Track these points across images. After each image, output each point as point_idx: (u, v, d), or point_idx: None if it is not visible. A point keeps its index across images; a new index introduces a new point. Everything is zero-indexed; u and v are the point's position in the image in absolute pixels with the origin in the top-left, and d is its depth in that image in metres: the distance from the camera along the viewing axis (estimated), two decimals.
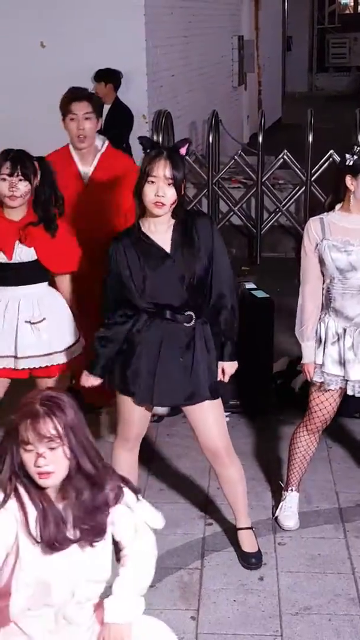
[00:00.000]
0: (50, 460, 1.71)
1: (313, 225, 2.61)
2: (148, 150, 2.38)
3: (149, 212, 2.37)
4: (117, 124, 5.36)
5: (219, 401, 2.57)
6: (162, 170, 2.32)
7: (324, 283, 2.63)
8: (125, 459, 2.65)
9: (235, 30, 9.30)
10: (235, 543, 2.73)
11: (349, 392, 2.66)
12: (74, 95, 3.13)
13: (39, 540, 1.73)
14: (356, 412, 3.51)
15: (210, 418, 2.54)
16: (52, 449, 1.70)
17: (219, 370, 2.55)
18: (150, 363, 2.45)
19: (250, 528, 2.72)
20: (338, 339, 2.60)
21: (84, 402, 3.57)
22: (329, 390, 2.67)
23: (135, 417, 2.57)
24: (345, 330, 2.60)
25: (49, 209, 2.71)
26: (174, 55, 6.59)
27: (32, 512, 1.74)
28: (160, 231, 2.41)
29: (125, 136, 5.44)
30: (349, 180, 2.53)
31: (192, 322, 2.45)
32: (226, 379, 2.57)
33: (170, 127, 6.00)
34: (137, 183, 2.37)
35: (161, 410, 3.35)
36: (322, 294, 2.63)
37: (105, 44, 5.55)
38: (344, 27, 17.27)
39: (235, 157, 6.08)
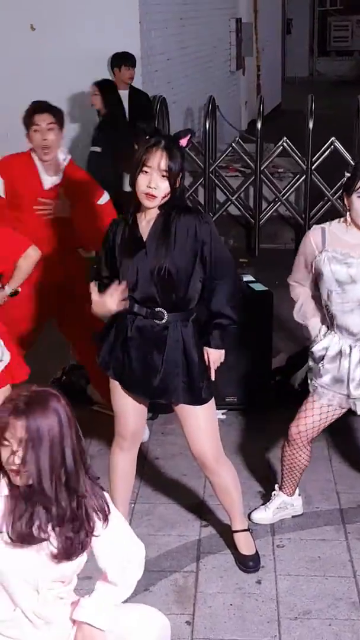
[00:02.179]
0: (22, 459, 1.64)
1: (313, 236, 2.54)
2: (147, 137, 2.28)
3: (140, 200, 2.30)
4: (139, 109, 5.18)
5: (208, 406, 2.48)
6: (158, 161, 2.24)
7: (321, 300, 2.57)
8: (123, 460, 2.59)
9: (233, 12, 9.14)
10: (232, 545, 2.67)
11: (358, 410, 2.60)
12: (37, 107, 3.21)
13: (3, 530, 1.68)
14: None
15: (195, 423, 2.46)
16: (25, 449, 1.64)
17: (205, 356, 2.44)
18: (124, 354, 2.42)
19: (247, 530, 2.66)
20: (341, 356, 2.54)
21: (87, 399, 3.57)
22: (321, 401, 2.61)
23: (128, 407, 2.49)
24: (351, 347, 2.55)
25: None
26: (169, 39, 6.46)
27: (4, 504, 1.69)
28: (147, 220, 2.34)
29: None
30: (345, 199, 2.50)
31: (164, 320, 2.36)
32: (212, 368, 2.46)
33: (165, 113, 5.88)
34: (132, 171, 2.29)
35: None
36: (325, 311, 2.57)
37: (98, 27, 5.41)
38: (346, 9, 17.03)
39: (233, 144, 5.96)
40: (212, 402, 2.50)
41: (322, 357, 2.56)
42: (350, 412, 2.69)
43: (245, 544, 2.64)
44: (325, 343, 2.57)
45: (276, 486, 2.86)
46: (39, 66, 5.54)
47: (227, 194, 6.00)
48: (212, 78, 8.08)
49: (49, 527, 1.69)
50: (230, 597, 2.50)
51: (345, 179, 2.50)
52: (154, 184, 2.24)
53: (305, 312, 2.63)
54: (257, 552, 2.64)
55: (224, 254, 2.42)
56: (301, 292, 2.65)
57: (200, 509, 2.95)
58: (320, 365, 2.57)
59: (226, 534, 2.76)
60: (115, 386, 2.50)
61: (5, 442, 1.64)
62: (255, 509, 2.87)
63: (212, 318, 2.42)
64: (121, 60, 5.26)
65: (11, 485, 1.68)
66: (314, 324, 2.61)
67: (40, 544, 1.70)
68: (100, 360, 2.48)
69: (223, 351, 2.47)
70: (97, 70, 5.45)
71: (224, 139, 6.88)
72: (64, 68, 5.51)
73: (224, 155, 5.99)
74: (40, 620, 1.77)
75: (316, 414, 2.63)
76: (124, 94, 5.27)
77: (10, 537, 1.68)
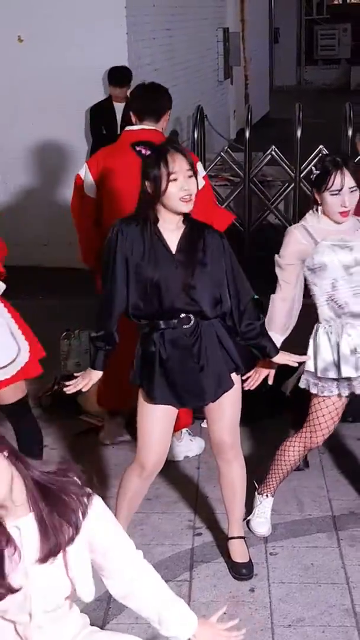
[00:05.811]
0: None
1: (299, 232, 2.55)
2: (149, 153, 2.28)
3: (171, 209, 2.28)
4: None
5: (237, 394, 2.49)
6: (179, 164, 2.26)
7: (318, 295, 2.56)
8: (137, 486, 2.54)
9: (220, 22, 9.20)
10: (226, 553, 2.66)
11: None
12: None
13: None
14: (350, 416, 3.44)
15: (222, 408, 2.48)
16: None
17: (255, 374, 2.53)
18: (165, 374, 2.39)
19: (243, 538, 2.65)
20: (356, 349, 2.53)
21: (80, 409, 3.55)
22: (331, 398, 2.60)
23: (155, 436, 2.44)
24: None
25: None
26: (157, 49, 6.48)
27: None
28: (170, 229, 2.33)
29: None
30: (316, 194, 2.52)
31: (192, 323, 2.37)
32: (270, 377, 2.55)
33: None
34: (155, 190, 2.25)
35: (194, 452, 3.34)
36: (327, 307, 2.55)
37: (85, 38, 5.42)
38: (332, 18, 17.18)
39: (222, 153, 5.99)
40: (240, 390, 2.51)
41: (355, 350, 2.52)
42: (343, 421, 2.71)
43: (240, 552, 2.63)
44: (348, 337, 2.53)
45: (267, 494, 2.84)
46: (26, 78, 5.55)
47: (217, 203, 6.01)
48: (201, 88, 8.12)
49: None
50: (224, 606, 2.49)
51: (314, 174, 2.50)
52: (186, 186, 2.26)
53: (272, 320, 2.60)
54: (250, 560, 2.64)
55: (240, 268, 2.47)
56: (280, 305, 2.63)
57: (193, 518, 2.94)
58: (357, 355, 2.52)
59: (219, 542, 2.76)
60: (148, 412, 2.43)
61: None
62: (251, 520, 2.83)
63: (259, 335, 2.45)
64: (110, 78, 5.32)
65: None
66: (274, 339, 2.57)
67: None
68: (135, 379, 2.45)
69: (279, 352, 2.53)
70: (84, 81, 5.48)
71: (212, 148, 6.91)
72: (53, 79, 5.52)
73: (213, 164, 6.01)
74: (43, 627, 1.69)
75: (336, 413, 2.63)
76: (119, 107, 5.31)
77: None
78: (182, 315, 2.35)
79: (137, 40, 5.87)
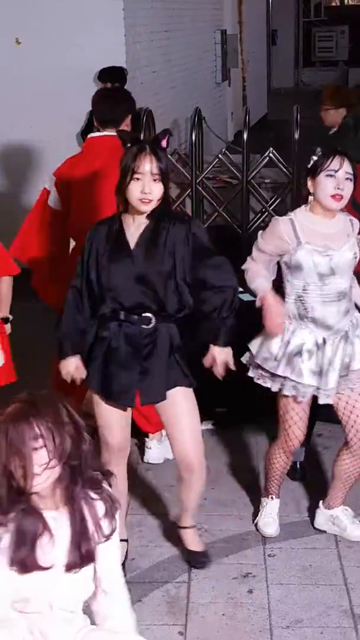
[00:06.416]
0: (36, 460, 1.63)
1: (284, 228, 2.51)
2: (128, 145, 2.31)
3: (134, 209, 2.31)
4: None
5: (193, 405, 2.48)
6: (148, 165, 2.27)
7: (288, 290, 2.54)
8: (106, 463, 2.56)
9: (218, 24, 9.21)
10: (180, 543, 2.68)
11: (322, 401, 2.58)
12: None
13: (10, 563, 1.66)
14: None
15: (182, 422, 2.47)
16: (35, 449, 1.62)
17: (209, 357, 2.41)
18: (107, 365, 2.41)
19: (194, 527, 2.69)
20: (317, 349, 2.53)
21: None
22: (301, 403, 2.61)
23: (113, 419, 2.48)
24: (325, 340, 2.54)
25: None
26: (155, 51, 6.49)
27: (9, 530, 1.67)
28: (135, 225, 2.35)
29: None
30: (309, 183, 2.50)
31: (152, 325, 2.37)
32: (220, 368, 2.42)
33: (152, 126, 5.91)
34: (120, 180, 2.30)
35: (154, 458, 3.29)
36: (293, 305, 2.54)
37: (83, 40, 5.43)
38: (330, 20, 17.20)
39: (220, 155, 5.99)
40: (195, 403, 2.50)
41: (299, 353, 2.52)
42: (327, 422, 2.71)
43: (194, 541, 2.68)
44: (299, 339, 2.52)
45: (271, 496, 2.83)
46: (24, 80, 5.55)
47: (215, 204, 6.03)
48: (198, 90, 8.13)
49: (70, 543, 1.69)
50: (222, 607, 2.50)
51: (312, 162, 2.49)
52: (147, 189, 2.26)
53: (252, 276, 2.55)
54: (205, 549, 2.67)
55: (219, 260, 2.40)
56: (253, 266, 2.57)
57: None
58: (300, 360, 2.51)
59: (217, 543, 2.77)
60: (99, 400, 2.47)
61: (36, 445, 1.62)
62: (258, 521, 2.83)
63: (216, 315, 2.37)
64: (99, 75, 5.32)
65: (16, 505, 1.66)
66: (259, 283, 2.53)
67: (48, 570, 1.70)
68: (88, 379, 2.46)
69: (229, 349, 2.43)
70: (82, 82, 5.49)
71: (210, 150, 6.92)
72: (50, 81, 5.52)
73: (211, 166, 6.02)
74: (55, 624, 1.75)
75: (303, 414, 2.63)
76: None
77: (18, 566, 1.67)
78: (144, 314, 2.35)
79: (135, 42, 5.88)
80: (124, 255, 2.34)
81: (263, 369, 2.60)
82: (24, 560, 1.66)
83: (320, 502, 2.83)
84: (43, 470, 1.63)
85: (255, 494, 3.07)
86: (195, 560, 2.66)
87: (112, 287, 2.34)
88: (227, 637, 2.38)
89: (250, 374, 2.64)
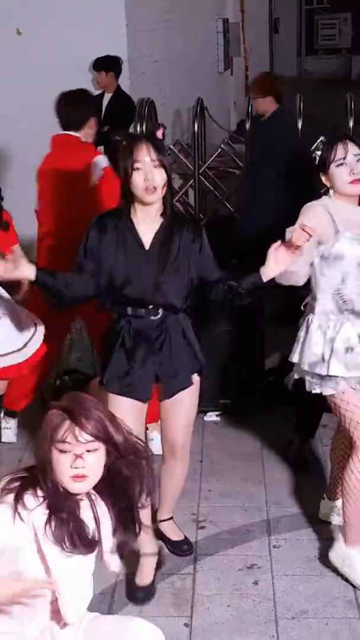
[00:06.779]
0: (87, 463, 1.65)
1: (322, 211, 2.40)
2: (124, 143, 2.30)
3: (140, 200, 2.30)
4: (119, 113, 5.21)
5: (195, 395, 2.49)
6: (146, 153, 2.25)
7: (324, 286, 2.44)
8: None
9: (220, 13, 9.16)
10: (161, 537, 2.68)
11: None
12: None
13: (64, 547, 1.68)
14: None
15: (180, 410, 2.47)
16: (89, 451, 1.65)
17: (270, 262, 2.26)
18: (122, 362, 2.39)
19: (172, 518, 2.72)
20: (359, 341, 2.44)
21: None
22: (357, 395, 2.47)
23: (129, 415, 2.41)
24: None
25: None
26: (156, 41, 6.46)
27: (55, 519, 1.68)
28: (146, 222, 2.34)
29: (127, 126, 5.32)
30: (323, 178, 2.45)
31: (159, 316, 2.37)
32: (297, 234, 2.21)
33: (154, 116, 5.88)
34: (123, 175, 2.28)
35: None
36: (331, 300, 2.45)
37: (84, 31, 5.40)
38: (332, 7, 17.05)
39: (222, 145, 5.97)
40: (197, 397, 2.50)
41: (350, 348, 2.41)
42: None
43: (174, 531, 2.70)
44: (345, 333, 2.43)
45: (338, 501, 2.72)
46: (26, 70, 5.52)
47: (218, 194, 6.00)
48: (200, 79, 8.09)
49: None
50: (227, 599, 2.50)
51: (317, 158, 2.45)
52: (150, 176, 2.24)
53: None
54: (185, 536, 2.70)
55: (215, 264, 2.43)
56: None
57: (196, 511, 2.94)
58: (352, 354, 2.40)
59: (223, 535, 2.77)
60: (118, 402, 2.41)
61: (65, 447, 1.64)
62: (332, 516, 2.77)
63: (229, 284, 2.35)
64: (94, 64, 5.31)
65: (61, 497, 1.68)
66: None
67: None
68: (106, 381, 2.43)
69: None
70: (84, 73, 5.46)
71: (213, 140, 6.89)
72: (51, 72, 5.49)
73: (214, 156, 6.00)
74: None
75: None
76: (107, 97, 5.30)
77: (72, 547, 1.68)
78: (151, 306, 2.35)
79: (136, 32, 5.84)
80: (139, 253, 2.32)
81: (311, 374, 2.48)
82: (74, 541, 1.68)
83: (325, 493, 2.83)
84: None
85: (259, 486, 3.07)
86: (181, 549, 2.68)
87: (125, 284, 2.32)
88: (233, 629, 2.38)
89: (307, 388, 2.48)
